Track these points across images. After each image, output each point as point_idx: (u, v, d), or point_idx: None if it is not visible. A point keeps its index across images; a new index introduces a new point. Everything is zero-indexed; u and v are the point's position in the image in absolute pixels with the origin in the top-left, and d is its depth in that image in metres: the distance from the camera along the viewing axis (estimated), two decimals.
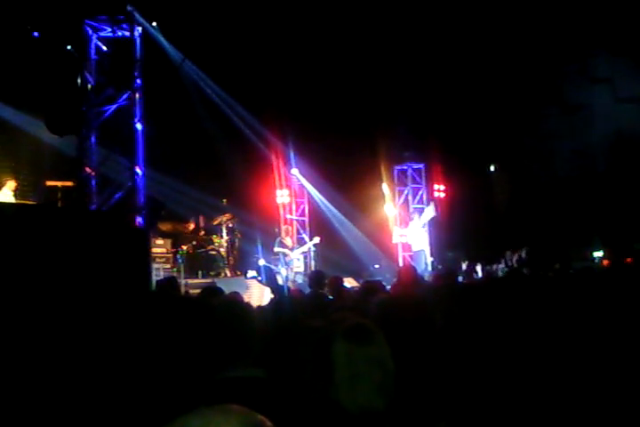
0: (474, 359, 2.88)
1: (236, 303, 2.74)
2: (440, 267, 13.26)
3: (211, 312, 2.89)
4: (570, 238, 14.32)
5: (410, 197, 16.78)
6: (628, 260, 7.20)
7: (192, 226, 12.94)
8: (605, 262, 11.66)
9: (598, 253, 13.84)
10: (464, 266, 11.76)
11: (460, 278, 8.30)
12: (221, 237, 12.86)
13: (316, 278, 4.32)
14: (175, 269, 11.34)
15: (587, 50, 15.92)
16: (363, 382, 1.90)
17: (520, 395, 2.63)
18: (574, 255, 13.06)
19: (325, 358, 1.98)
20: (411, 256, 15.35)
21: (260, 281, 11.04)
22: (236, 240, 13.31)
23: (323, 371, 1.97)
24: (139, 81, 9.75)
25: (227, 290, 5.11)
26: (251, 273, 12.45)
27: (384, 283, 6.43)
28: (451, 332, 3.31)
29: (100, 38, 9.96)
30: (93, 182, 9.44)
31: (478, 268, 11.64)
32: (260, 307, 3.42)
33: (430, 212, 14.09)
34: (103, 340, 3.62)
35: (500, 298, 3.85)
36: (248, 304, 3.02)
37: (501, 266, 11.71)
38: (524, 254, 10.96)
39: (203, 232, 12.97)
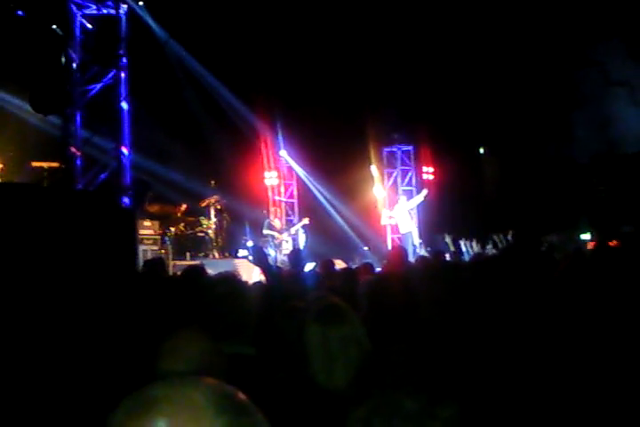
0: (461, 339, 2.88)
1: (234, 280, 2.72)
2: (429, 249, 13.29)
3: (201, 290, 2.85)
4: (558, 221, 14.38)
5: (399, 179, 16.77)
6: (612, 242, 7.18)
7: (183, 208, 12.84)
8: (591, 245, 11.73)
9: (586, 236, 13.91)
10: (451, 247, 11.80)
11: (448, 259, 8.33)
12: (209, 218, 12.80)
13: (294, 257, 4.28)
14: (163, 251, 11.28)
15: (577, 32, 15.84)
16: (338, 361, 1.90)
17: (509, 376, 2.63)
18: (562, 238, 13.12)
19: (301, 339, 1.98)
20: (399, 238, 15.37)
21: (250, 261, 11.04)
22: (225, 222, 13.25)
23: (301, 351, 1.97)
24: (124, 60, 9.60)
25: (215, 271, 5.08)
26: (242, 252, 12.43)
27: (373, 265, 6.44)
28: (439, 311, 3.31)
29: (84, 16, 9.76)
30: (79, 162, 9.32)
31: (464, 248, 11.68)
32: (256, 283, 3.40)
33: (420, 198, 13.99)
34: (89, 320, 3.59)
35: (489, 277, 3.85)
36: (245, 282, 3.00)
37: (489, 247, 11.77)
38: (510, 237, 11.00)
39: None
